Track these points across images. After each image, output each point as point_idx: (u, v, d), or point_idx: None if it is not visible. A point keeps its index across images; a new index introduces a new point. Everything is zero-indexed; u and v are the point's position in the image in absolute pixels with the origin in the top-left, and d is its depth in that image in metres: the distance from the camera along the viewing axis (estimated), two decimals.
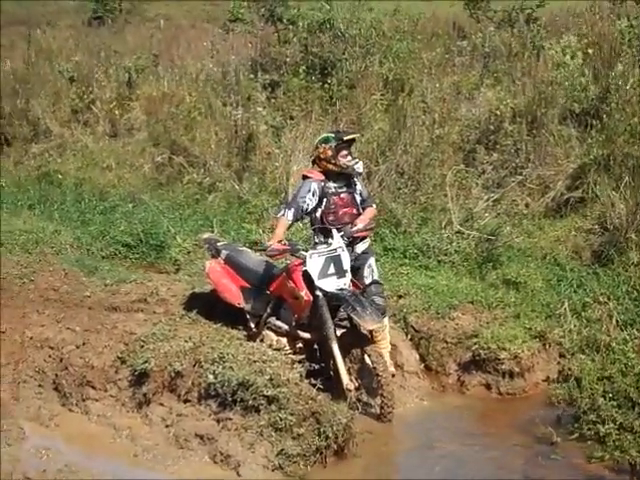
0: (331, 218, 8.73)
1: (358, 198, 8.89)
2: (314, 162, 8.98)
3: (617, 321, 9.23)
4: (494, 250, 10.83)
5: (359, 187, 8.94)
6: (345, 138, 8.82)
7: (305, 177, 8.92)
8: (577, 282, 10.15)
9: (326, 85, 14.53)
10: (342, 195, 8.81)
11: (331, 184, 8.77)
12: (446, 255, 10.94)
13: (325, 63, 14.98)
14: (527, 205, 11.90)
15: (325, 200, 8.72)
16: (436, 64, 14.94)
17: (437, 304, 9.67)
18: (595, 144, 11.71)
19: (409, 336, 9.46)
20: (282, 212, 8.77)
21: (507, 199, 11.84)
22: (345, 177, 8.84)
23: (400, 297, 9.90)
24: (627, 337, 8.62)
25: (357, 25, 15.23)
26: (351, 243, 8.63)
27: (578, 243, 11.03)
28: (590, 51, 13.30)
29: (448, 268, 10.77)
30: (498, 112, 12.91)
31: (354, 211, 8.83)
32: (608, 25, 14.02)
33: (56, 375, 8.79)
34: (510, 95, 13.27)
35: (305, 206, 8.67)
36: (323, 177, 8.77)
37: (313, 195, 8.68)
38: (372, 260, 8.91)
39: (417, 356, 9.31)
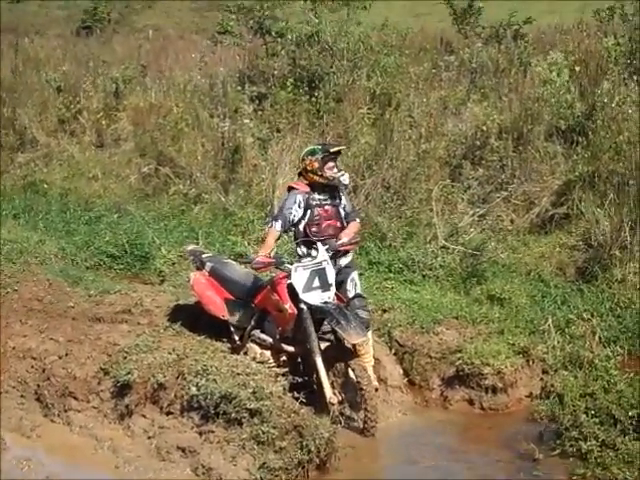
0: (314, 229, 8.74)
1: (342, 212, 8.91)
2: (300, 174, 9.01)
3: (600, 338, 9.27)
4: (479, 265, 10.87)
5: (344, 201, 8.96)
6: (332, 150, 8.87)
7: (290, 189, 8.95)
8: (561, 298, 10.21)
9: (313, 98, 14.54)
10: (326, 207, 8.83)
11: (316, 196, 8.79)
12: (431, 270, 10.97)
13: (313, 76, 15.00)
14: (512, 221, 11.94)
15: (309, 211, 8.75)
16: (423, 79, 14.97)
17: (421, 319, 9.67)
18: (580, 161, 11.77)
19: (393, 350, 9.44)
20: (270, 224, 8.81)
21: (492, 215, 11.88)
22: (331, 190, 8.86)
23: (384, 311, 9.90)
24: (610, 354, 8.64)
25: (345, 39, 15.25)
26: (334, 256, 8.62)
27: (562, 259, 11.08)
28: (577, 68, 13.38)
29: (433, 283, 10.80)
30: (484, 128, 12.97)
31: (338, 224, 8.85)
32: (595, 43, 14.15)
33: (38, 386, 8.73)
34: (496, 111, 13.33)
35: (291, 217, 8.70)
36: (308, 189, 8.80)
37: (299, 206, 8.71)
38: (355, 274, 8.91)
39: (401, 370, 9.29)
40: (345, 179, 8.91)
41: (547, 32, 17.55)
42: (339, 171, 8.88)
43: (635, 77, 13.11)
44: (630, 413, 7.73)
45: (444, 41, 17.91)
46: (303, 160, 8.92)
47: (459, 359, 9.02)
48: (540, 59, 14.41)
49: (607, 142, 11.65)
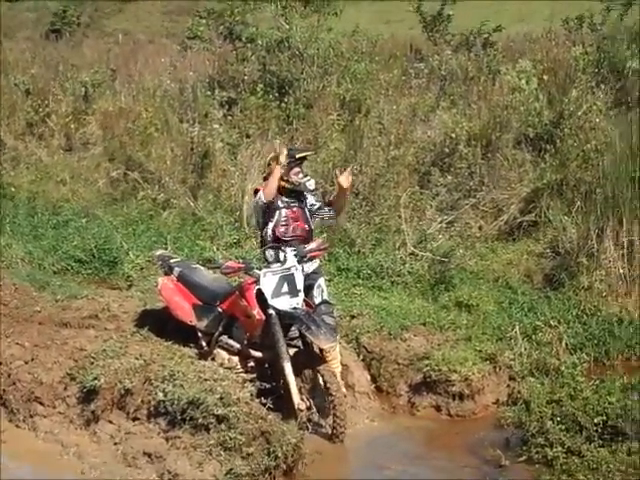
0: (282, 230, 8.76)
1: (308, 213, 8.91)
2: (265, 179, 9.01)
3: (567, 345, 9.35)
4: (447, 272, 10.89)
5: (310, 200, 8.95)
6: (297, 156, 8.89)
7: (257, 192, 8.96)
8: (528, 305, 10.26)
9: (283, 104, 14.55)
10: (294, 209, 8.86)
11: (284, 198, 8.82)
12: (399, 276, 10.98)
13: (283, 82, 14.99)
14: (480, 228, 11.99)
15: (277, 213, 8.77)
16: (393, 85, 15.01)
17: (389, 325, 9.68)
18: (548, 169, 11.84)
19: (361, 356, 9.44)
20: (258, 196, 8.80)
21: (461, 222, 11.91)
22: (297, 194, 8.88)
23: (353, 317, 9.90)
24: (576, 361, 8.67)
25: (315, 45, 15.24)
26: (300, 262, 8.60)
27: (530, 267, 11.13)
28: (545, 77, 13.46)
29: (401, 289, 10.82)
30: (453, 135, 12.99)
31: (305, 226, 8.88)
32: (563, 51, 14.27)
33: (4, 391, 8.66)
34: (465, 118, 13.37)
35: (263, 200, 8.72)
36: None
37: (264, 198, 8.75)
38: (321, 280, 8.91)
39: (368, 377, 9.29)
40: (311, 184, 8.94)
41: (516, 40, 17.65)
42: (305, 176, 8.93)
43: (602, 86, 13.22)
44: (595, 420, 7.75)
45: (414, 48, 17.94)
46: (269, 165, 8.95)
47: (426, 366, 9.03)
48: (509, 67, 14.45)
49: (575, 150, 11.74)
